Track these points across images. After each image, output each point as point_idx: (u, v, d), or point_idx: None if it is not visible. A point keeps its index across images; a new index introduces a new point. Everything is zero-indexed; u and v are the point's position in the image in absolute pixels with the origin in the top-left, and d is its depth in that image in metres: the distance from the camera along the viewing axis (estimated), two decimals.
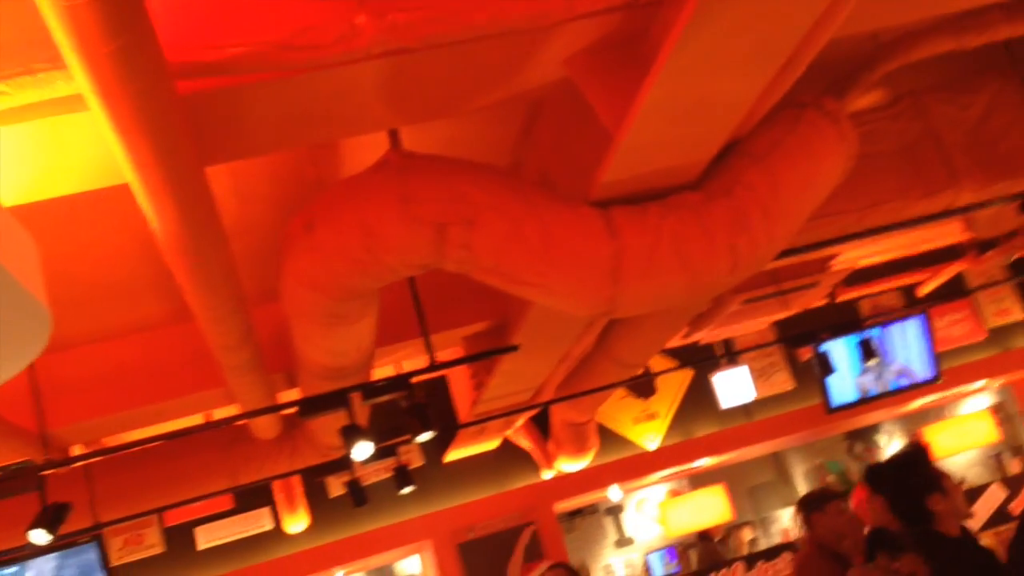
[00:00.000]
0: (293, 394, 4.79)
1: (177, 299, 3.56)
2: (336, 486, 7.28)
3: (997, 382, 9.54)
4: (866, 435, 10.78)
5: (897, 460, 3.78)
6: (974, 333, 8.77)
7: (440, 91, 2.85)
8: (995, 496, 9.50)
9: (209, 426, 5.20)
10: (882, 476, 3.97)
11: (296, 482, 7.23)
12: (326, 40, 2.30)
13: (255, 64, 2.27)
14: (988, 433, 9.94)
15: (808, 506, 4.87)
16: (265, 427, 5.48)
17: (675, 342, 7.21)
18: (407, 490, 6.33)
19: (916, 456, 3.73)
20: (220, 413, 5.32)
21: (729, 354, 7.73)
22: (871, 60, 3.81)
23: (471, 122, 3.65)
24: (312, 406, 4.22)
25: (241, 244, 3.49)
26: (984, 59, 4.36)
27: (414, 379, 4.25)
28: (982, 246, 6.62)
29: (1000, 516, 9.13)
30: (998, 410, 10.55)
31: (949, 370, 8.12)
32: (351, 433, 4.29)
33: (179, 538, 7.29)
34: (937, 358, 7.71)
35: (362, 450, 4.31)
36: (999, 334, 8.79)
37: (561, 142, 3.52)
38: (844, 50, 3.72)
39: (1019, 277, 8.11)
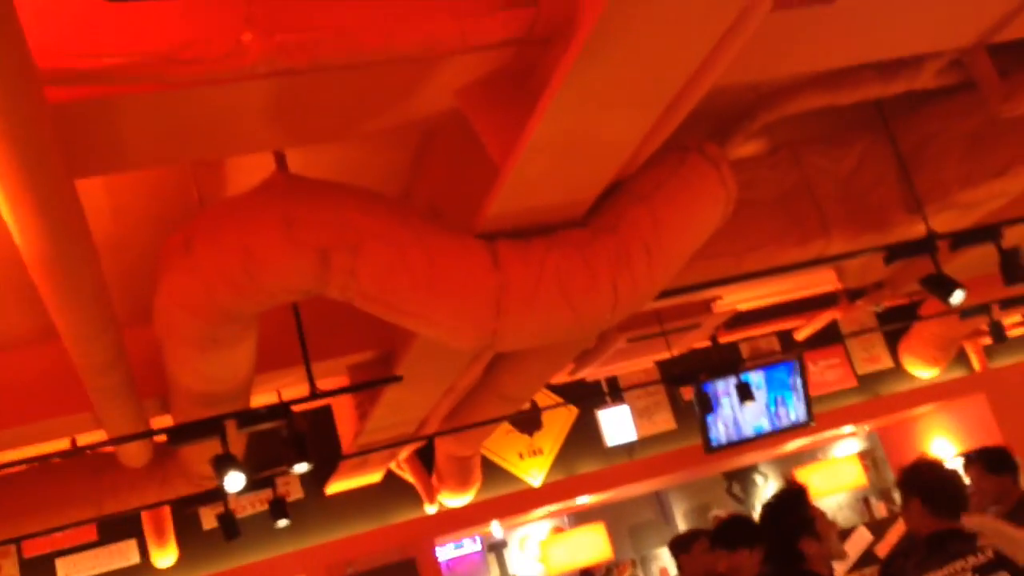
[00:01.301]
0: (167, 420, 4.62)
1: (42, 315, 3.40)
2: (210, 518, 7.01)
3: (865, 427, 9.92)
4: (743, 475, 11.07)
5: (772, 503, 3.80)
6: (845, 379, 9.11)
7: (328, 114, 2.82)
8: (862, 538, 9.87)
9: (74, 452, 4.96)
10: (751, 529, 4.06)
11: (166, 513, 6.94)
12: (211, 55, 2.25)
13: (134, 75, 2.20)
14: (856, 477, 10.34)
15: (675, 548, 4.99)
16: (134, 454, 5.25)
17: (561, 379, 7.28)
18: (283, 523, 6.17)
19: (791, 499, 3.75)
20: (86, 439, 5.08)
21: (613, 392, 7.83)
22: (752, 110, 3.96)
23: (361, 148, 3.62)
24: (183, 434, 4.06)
25: (115, 261, 3.38)
26: (857, 116, 4.59)
27: (293, 408, 4.15)
28: (852, 295, 6.93)
29: (867, 558, 9.47)
30: (866, 455, 10.99)
31: (822, 414, 8.41)
32: (223, 463, 4.14)
33: (39, 570, 6.89)
34: (810, 402, 8.00)
35: (234, 481, 4.16)
36: (868, 380, 9.16)
37: (451, 173, 3.53)
38: (727, 99, 3.86)
39: (887, 326, 8.49)
